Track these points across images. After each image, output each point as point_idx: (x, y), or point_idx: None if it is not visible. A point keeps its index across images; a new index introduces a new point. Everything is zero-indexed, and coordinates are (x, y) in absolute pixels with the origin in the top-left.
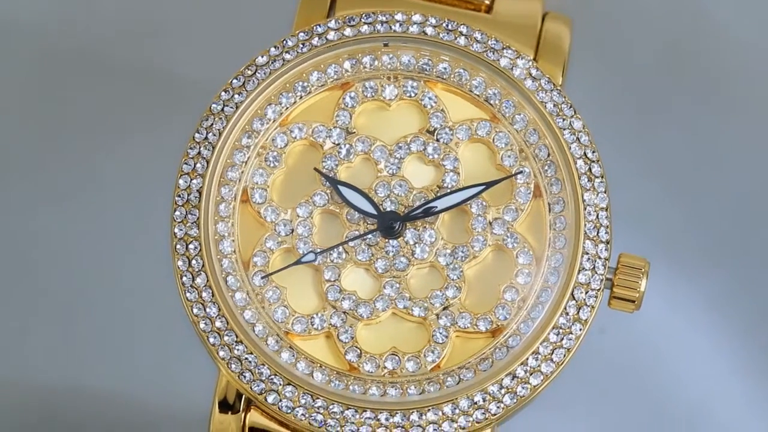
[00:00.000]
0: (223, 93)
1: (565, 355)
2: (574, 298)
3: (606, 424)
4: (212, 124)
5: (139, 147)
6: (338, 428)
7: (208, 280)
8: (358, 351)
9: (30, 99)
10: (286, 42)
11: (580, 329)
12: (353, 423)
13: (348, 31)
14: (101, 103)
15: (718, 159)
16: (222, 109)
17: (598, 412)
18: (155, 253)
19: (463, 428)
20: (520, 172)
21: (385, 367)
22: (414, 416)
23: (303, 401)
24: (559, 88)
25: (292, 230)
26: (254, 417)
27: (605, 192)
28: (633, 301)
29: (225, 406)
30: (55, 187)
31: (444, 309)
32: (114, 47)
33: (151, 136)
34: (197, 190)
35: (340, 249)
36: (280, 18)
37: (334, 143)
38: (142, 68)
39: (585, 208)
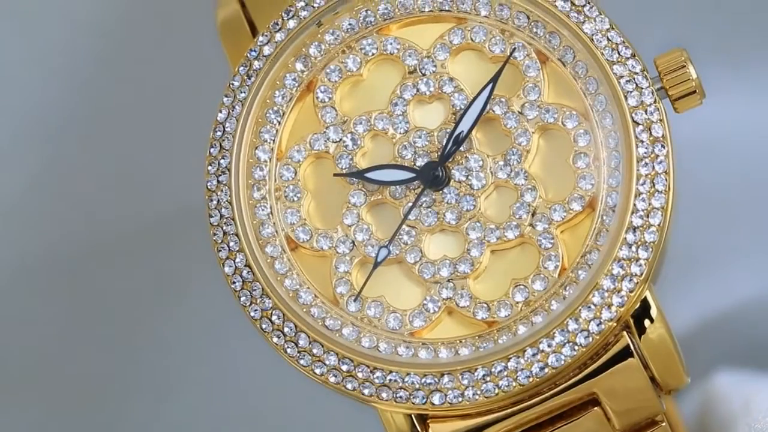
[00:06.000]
0: (209, 167)
1: (667, 180)
2: (638, 123)
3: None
4: (218, 200)
5: (191, 296)
6: (513, 383)
7: (309, 337)
8: (485, 305)
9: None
10: (233, 84)
11: (663, 148)
12: (523, 369)
13: (279, 36)
14: (131, 288)
15: None
16: (217, 182)
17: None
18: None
19: (621, 306)
20: (514, 49)
21: (517, 303)
22: (571, 325)
23: (465, 381)
24: None
25: (353, 242)
26: (437, 429)
27: (600, 14)
28: (694, 92)
29: None
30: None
31: (533, 215)
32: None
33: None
34: (245, 266)
35: (406, 228)
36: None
37: (336, 141)
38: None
39: (592, 40)
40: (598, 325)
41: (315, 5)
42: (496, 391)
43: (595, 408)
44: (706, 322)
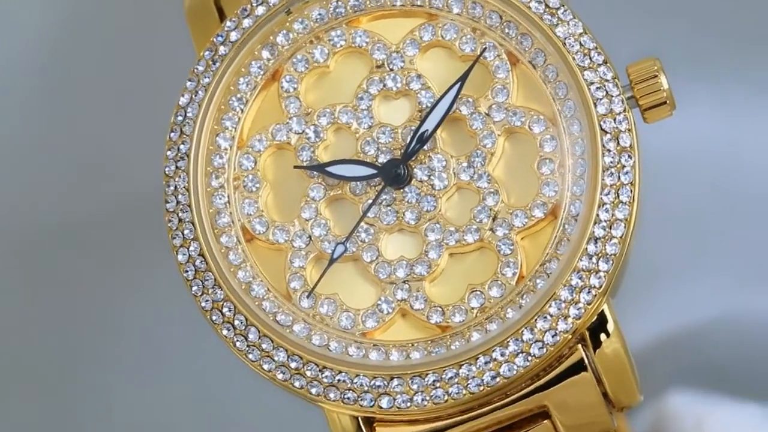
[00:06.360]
0: (168, 152)
1: (632, 192)
2: (606, 132)
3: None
4: (176, 186)
5: (146, 284)
6: (463, 391)
7: (259, 332)
8: (440, 309)
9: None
10: (197, 68)
11: (630, 158)
12: (474, 377)
13: (246, 22)
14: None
15: None
16: (175, 167)
17: (723, 255)
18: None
19: (578, 318)
20: (485, 49)
21: (472, 309)
22: (526, 335)
23: (415, 386)
24: None
25: (310, 237)
26: None
27: (574, 18)
28: (665, 102)
29: None
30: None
31: (494, 220)
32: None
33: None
34: (198, 255)
35: (364, 225)
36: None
37: (298, 133)
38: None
39: (564, 44)
40: (553, 337)
41: None
42: (446, 398)
43: (545, 421)
44: (664, 340)
